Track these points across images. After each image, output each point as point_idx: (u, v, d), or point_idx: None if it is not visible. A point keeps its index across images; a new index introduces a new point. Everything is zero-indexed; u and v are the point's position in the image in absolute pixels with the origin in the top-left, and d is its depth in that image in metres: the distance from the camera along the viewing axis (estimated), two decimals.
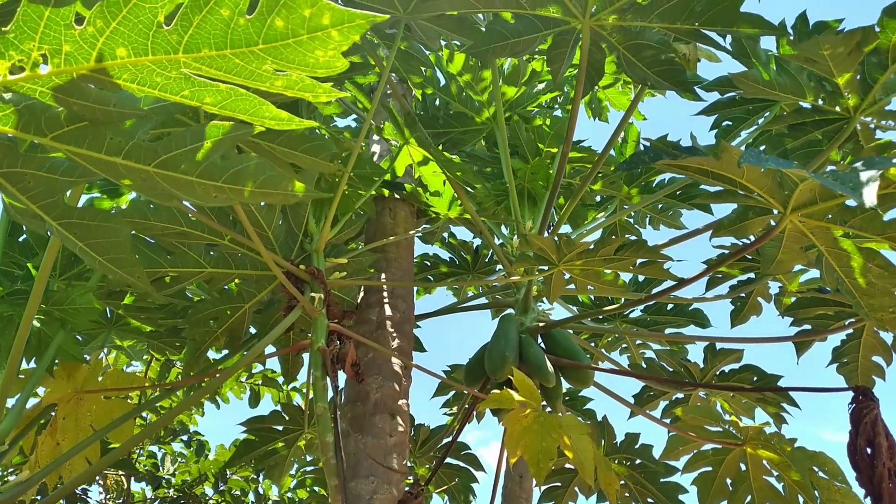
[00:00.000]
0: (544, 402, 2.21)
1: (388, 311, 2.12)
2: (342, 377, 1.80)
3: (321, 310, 1.79)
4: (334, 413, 1.69)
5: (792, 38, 2.05)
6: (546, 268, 2.01)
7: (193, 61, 0.89)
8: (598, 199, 2.87)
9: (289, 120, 1.00)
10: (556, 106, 2.84)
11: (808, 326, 2.20)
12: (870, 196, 1.26)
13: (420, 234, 2.63)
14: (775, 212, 1.69)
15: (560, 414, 2.22)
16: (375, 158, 2.58)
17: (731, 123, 2.37)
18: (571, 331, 2.77)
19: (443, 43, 2.68)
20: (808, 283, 2.39)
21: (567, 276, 2.03)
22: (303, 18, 0.84)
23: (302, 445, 2.42)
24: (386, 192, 2.37)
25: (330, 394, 1.73)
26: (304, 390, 3.25)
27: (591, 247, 1.87)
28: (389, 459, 1.88)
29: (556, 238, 1.88)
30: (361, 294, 2.20)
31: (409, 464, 2.82)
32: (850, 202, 1.57)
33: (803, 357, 2.29)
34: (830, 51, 1.79)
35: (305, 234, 2.01)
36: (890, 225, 1.56)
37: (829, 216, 1.64)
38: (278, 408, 2.41)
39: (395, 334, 2.08)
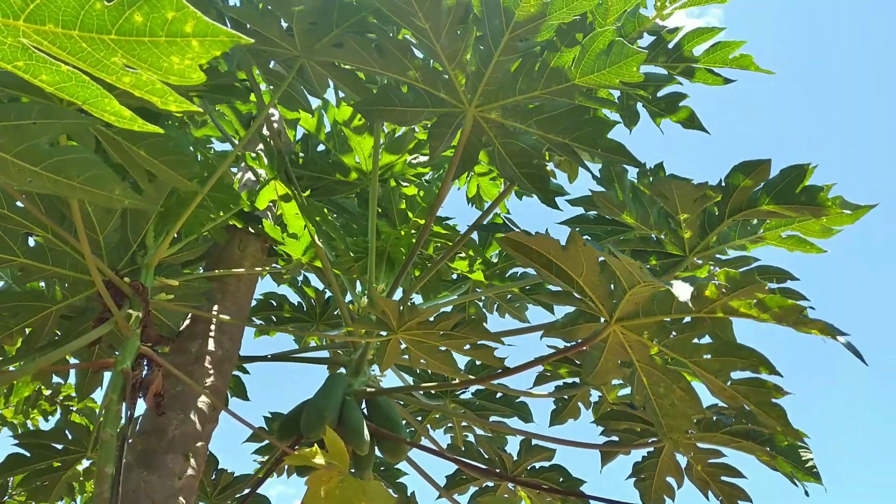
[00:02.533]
0: (353, 469, 2.15)
1: (211, 345, 2.01)
2: (141, 405, 1.67)
3: (136, 329, 1.67)
4: (122, 442, 1.56)
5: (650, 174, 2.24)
6: (385, 333, 2.00)
7: (35, 33, 0.82)
8: (454, 276, 2.92)
9: (131, 119, 0.94)
10: (431, 180, 2.90)
11: (615, 438, 2.31)
12: (685, 295, 1.37)
13: (267, 272, 2.55)
14: (602, 320, 1.78)
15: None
16: (239, 187, 2.50)
17: (588, 238, 2.52)
18: (401, 402, 2.76)
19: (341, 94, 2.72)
20: (625, 398, 2.53)
21: (403, 345, 2.03)
22: (164, 20, 0.81)
23: (79, 470, 2.19)
24: (240, 223, 2.29)
25: (123, 421, 1.59)
26: (98, 412, 2.99)
27: (432, 318, 1.89)
28: (172, 503, 1.74)
29: (400, 305, 1.88)
30: (187, 322, 2.07)
31: None
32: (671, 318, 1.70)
33: (607, 467, 2.39)
34: (680, 192, 1.96)
35: (141, 247, 1.89)
36: (697, 350, 1.69)
37: (648, 333, 1.76)
38: (60, 425, 2.19)
39: (212, 371, 1.97)
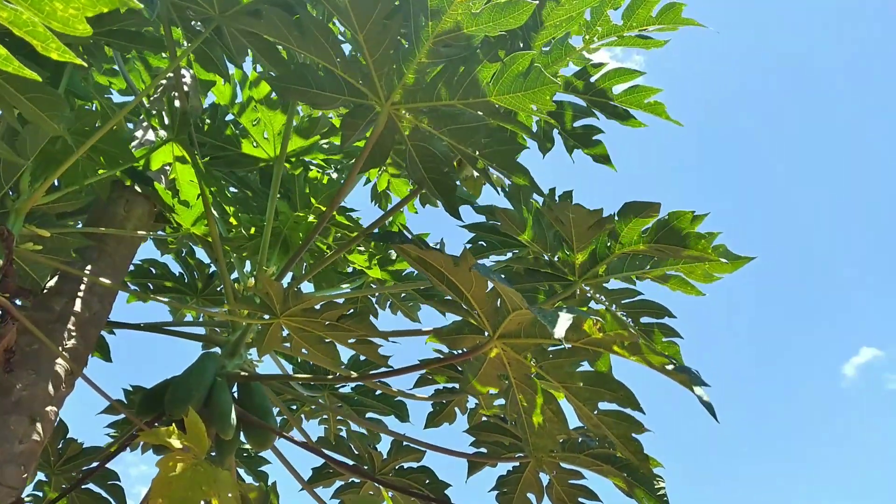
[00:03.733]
0: (214, 453, 2.08)
1: (77, 305, 1.88)
2: None
3: None
4: None
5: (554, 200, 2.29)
6: (267, 317, 1.94)
7: None
8: (350, 270, 2.88)
9: (6, 60, 0.86)
10: (343, 168, 2.85)
11: (484, 450, 2.35)
12: (560, 330, 1.40)
13: (151, 237, 2.43)
14: (486, 334, 1.80)
15: (229, 469, 2.10)
16: (135, 144, 2.37)
17: (485, 245, 2.55)
18: (276, 390, 2.69)
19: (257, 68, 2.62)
20: (501, 408, 2.57)
21: (285, 331, 1.98)
22: None
23: None
24: (128, 181, 2.17)
25: None
26: None
27: (318, 307, 1.85)
28: (7, 468, 1.62)
29: (287, 289, 1.83)
30: (55, 278, 1.94)
31: (42, 478, 2.46)
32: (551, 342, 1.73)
33: (473, 477, 2.42)
34: (576, 221, 2.02)
35: (14, 190, 1.75)
36: (571, 376, 1.73)
37: (528, 353, 1.79)
38: None
39: (74, 333, 1.84)
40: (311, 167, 2.74)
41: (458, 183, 2.65)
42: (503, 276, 2.49)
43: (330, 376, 2.52)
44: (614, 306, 2.23)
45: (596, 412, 1.69)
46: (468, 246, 2.56)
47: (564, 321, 1.35)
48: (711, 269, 2.11)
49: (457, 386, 2.61)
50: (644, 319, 2.20)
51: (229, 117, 2.57)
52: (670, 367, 1.39)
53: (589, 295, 2.30)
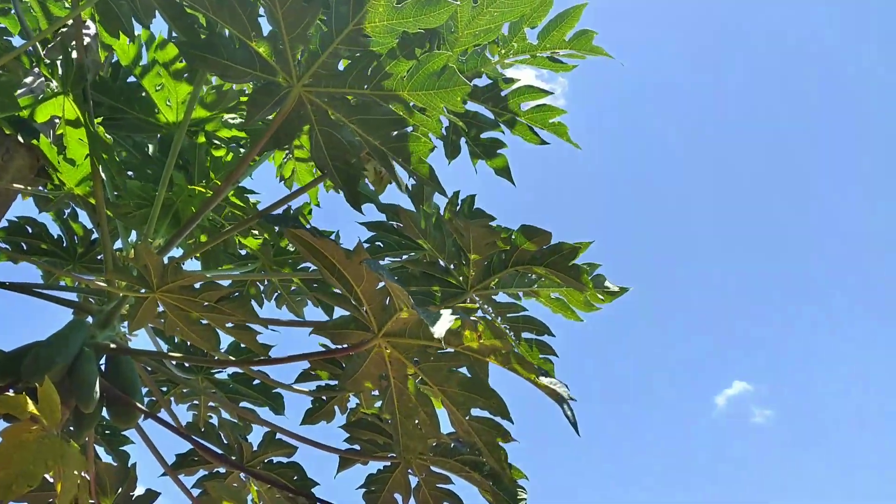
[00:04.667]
0: (74, 426, 1.96)
1: None
2: None
3: None
4: None
5: (458, 207, 2.33)
6: (143, 290, 1.86)
7: None
8: (242, 253, 2.80)
9: None
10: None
11: (357, 447, 2.33)
12: (439, 330, 1.42)
13: (31, 194, 2.27)
14: (371, 331, 1.80)
15: (86, 444, 1.99)
16: (22, 91, 2.21)
17: (382, 245, 2.54)
18: (149, 368, 2.57)
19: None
20: (379, 409, 2.56)
21: (161, 307, 1.89)
22: None
23: None
24: (10, 130, 2.02)
25: None
26: None
27: (197, 286, 1.78)
28: None
29: (166, 263, 1.76)
30: None
31: None
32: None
33: (343, 475, 2.40)
34: (475, 234, 2.05)
35: None
36: (447, 379, 1.75)
37: (410, 354, 1.80)
38: None
39: None
40: (216, 142, 2.65)
41: (366, 180, 2.65)
42: (396, 276, 2.51)
43: (207, 360, 2.44)
44: (500, 318, 2.28)
45: (468, 418, 1.72)
46: (366, 245, 2.55)
47: (445, 322, 1.37)
48: (591, 298, 2.20)
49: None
50: (525, 335, 2.26)
51: (132, 79, 2.45)
52: (541, 378, 1.44)
53: (478, 305, 2.34)
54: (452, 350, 1.72)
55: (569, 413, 1.40)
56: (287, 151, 2.77)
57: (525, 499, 2.05)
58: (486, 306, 2.31)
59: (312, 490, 2.48)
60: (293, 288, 2.79)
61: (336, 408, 2.70)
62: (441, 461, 2.17)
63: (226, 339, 2.72)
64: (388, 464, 2.29)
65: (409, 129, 1.72)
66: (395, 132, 1.75)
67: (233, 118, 2.55)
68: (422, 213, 2.16)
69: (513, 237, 2.05)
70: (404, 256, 2.55)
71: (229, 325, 1.91)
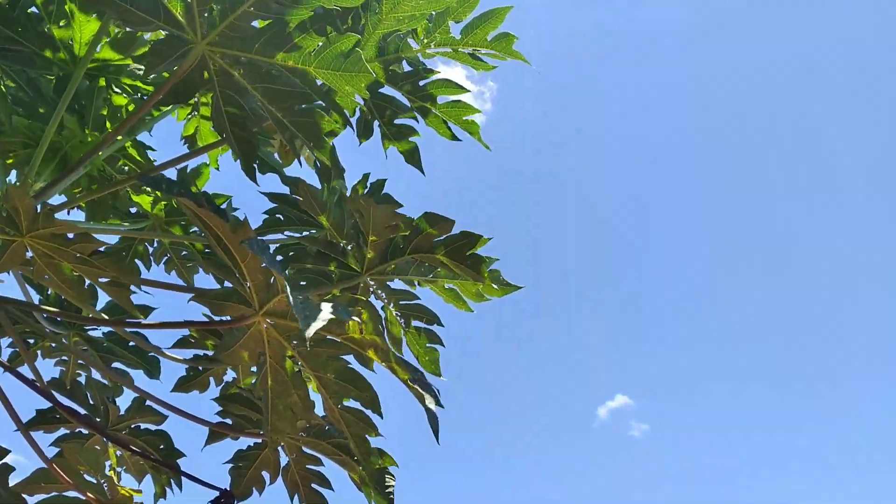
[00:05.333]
0: None
1: None
2: None
3: None
4: None
5: (367, 190, 2.30)
6: (12, 233, 1.73)
7: None
8: (133, 210, 2.67)
9: None
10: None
11: (229, 421, 2.27)
12: (310, 328, 1.39)
13: None
14: (252, 308, 1.75)
15: None
16: None
17: (283, 218, 2.48)
18: (14, 317, 2.41)
19: None
20: (252, 386, 2.50)
21: (30, 253, 1.78)
22: None
23: None
24: None
25: None
26: None
27: (71, 236, 1.68)
28: None
29: (39, 208, 1.65)
30: None
31: None
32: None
33: (210, 448, 2.34)
34: (375, 216, 2.03)
35: None
36: (324, 366, 1.73)
37: (289, 335, 1.76)
38: None
39: None
40: (117, 91, 2.51)
41: (274, 153, 2.57)
42: (292, 252, 2.45)
43: (78, 316, 2.31)
44: (392, 304, 2.27)
45: (340, 406, 1.70)
46: (266, 217, 2.49)
47: (321, 318, 1.34)
48: (484, 290, 2.22)
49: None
50: (415, 323, 2.27)
51: (33, 9, 2.28)
52: (413, 381, 1.44)
53: (371, 290, 2.32)
54: (333, 338, 1.70)
55: (432, 422, 1.41)
56: (193, 109, 2.66)
57: (392, 486, 2.05)
58: (379, 291, 2.30)
59: (178, 461, 2.40)
60: (183, 252, 2.68)
61: (211, 379, 2.62)
62: (314, 443, 2.14)
63: (107, 299, 2.61)
64: (259, 441, 2.25)
65: (314, 104, 1.68)
66: (300, 106, 1.70)
67: (140, 68, 2.42)
68: (325, 189, 2.12)
69: (414, 223, 2.05)
70: (305, 233, 2.50)
71: (104, 280, 1.81)
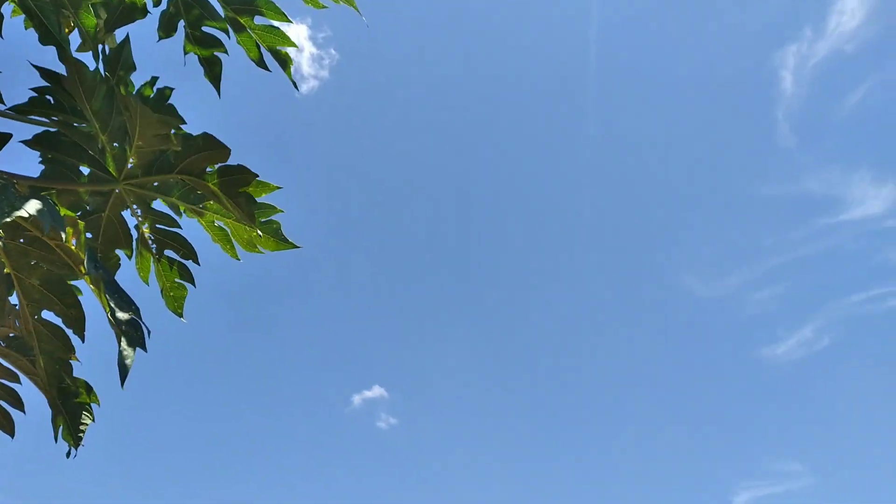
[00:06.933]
0: None
1: None
2: None
3: None
4: None
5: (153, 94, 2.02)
6: None
7: None
8: None
9: None
10: None
11: None
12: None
13: None
14: None
15: None
16: None
17: (52, 101, 2.12)
18: None
19: None
20: None
21: None
22: None
23: None
24: None
25: None
26: None
27: None
28: None
29: None
30: None
31: None
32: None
33: None
34: (144, 119, 1.78)
35: None
36: (32, 269, 1.48)
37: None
38: None
39: None
40: None
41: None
42: (55, 139, 2.10)
43: None
44: (147, 225, 2.03)
45: (37, 317, 1.46)
46: (34, 95, 2.11)
47: (15, 210, 1.11)
48: (256, 241, 2.05)
49: None
50: (169, 252, 2.05)
51: None
52: (119, 314, 1.25)
53: (127, 203, 2.05)
54: (47, 242, 1.45)
55: (121, 365, 1.23)
56: None
57: (87, 425, 1.83)
58: (135, 207, 2.04)
59: None
60: None
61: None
62: (13, 356, 1.85)
63: None
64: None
65: None
66: None
67: None
68: (96, 73, 1.83)
69: (189, 141, 1.83)
70: (78, 125, 2.16)
71: None
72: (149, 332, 1.29)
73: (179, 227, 2.05)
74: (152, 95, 2.14)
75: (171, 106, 2.06)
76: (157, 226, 2.04)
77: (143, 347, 1.25)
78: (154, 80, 2.10)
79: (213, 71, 1.94)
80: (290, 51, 1.92)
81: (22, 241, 1.48)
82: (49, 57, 1.95)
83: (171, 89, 2.08)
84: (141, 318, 1.36)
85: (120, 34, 1.93)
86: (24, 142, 1.97)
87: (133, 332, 1.26)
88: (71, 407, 1.82)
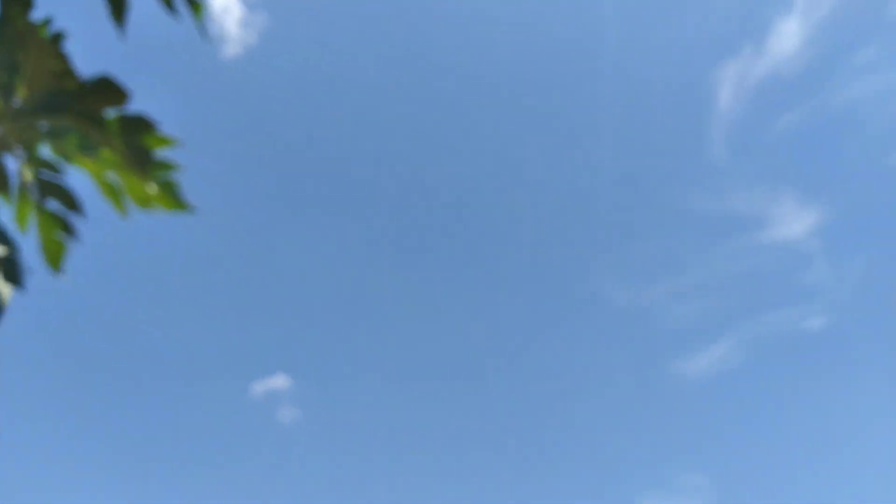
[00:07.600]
0: None
1: None
2: None
3: None
4: None
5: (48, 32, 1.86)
6: None
7: None
8: None
9: None
10: None
11: None
12: None
13: None
14: None
15: None
16: None
17: None
18: None
19: None
20: None
21: None
22: None
23: None
24: None
25: None
26: None
27: None
28: None
29: None
30: None
31: None
32: None
33: None
34: (39, 51, 1.64)
35: None
36: None
37: None
38: None
39: None
40: None
41: None
42: None
43: None
44: (29, 170, 1.86)
45: None
46: None
47: None
48: (153, 199, 1.92)
49: None
50: (51, 204, 1.88)
51: None
52: None
53: (10, 145, 1.88)
54: None
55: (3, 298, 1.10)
56: None
57: None
58: (17, 149, 1.87)
59: None
60: None
61: None
62: None
63: None
64: None
65: None
66: None
67: None
68: None
69: (86, 82, 1.69)
70: None
71: None
72: (29, 271, 1.16)
73: (65, 176, 1.89)
74: (52, 34, 1.99)
75: (65, 53, 1.91)
76: (42, 172, 1.88)
77: (20, 284, 1.12)
78: (49, 20, 1.95)
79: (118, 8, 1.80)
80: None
81: None
82: None
83: (65, 31, 1.93)
84: (20, 256, 1.23)
85: None
86: None
87: (9, 269, 1.13)
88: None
